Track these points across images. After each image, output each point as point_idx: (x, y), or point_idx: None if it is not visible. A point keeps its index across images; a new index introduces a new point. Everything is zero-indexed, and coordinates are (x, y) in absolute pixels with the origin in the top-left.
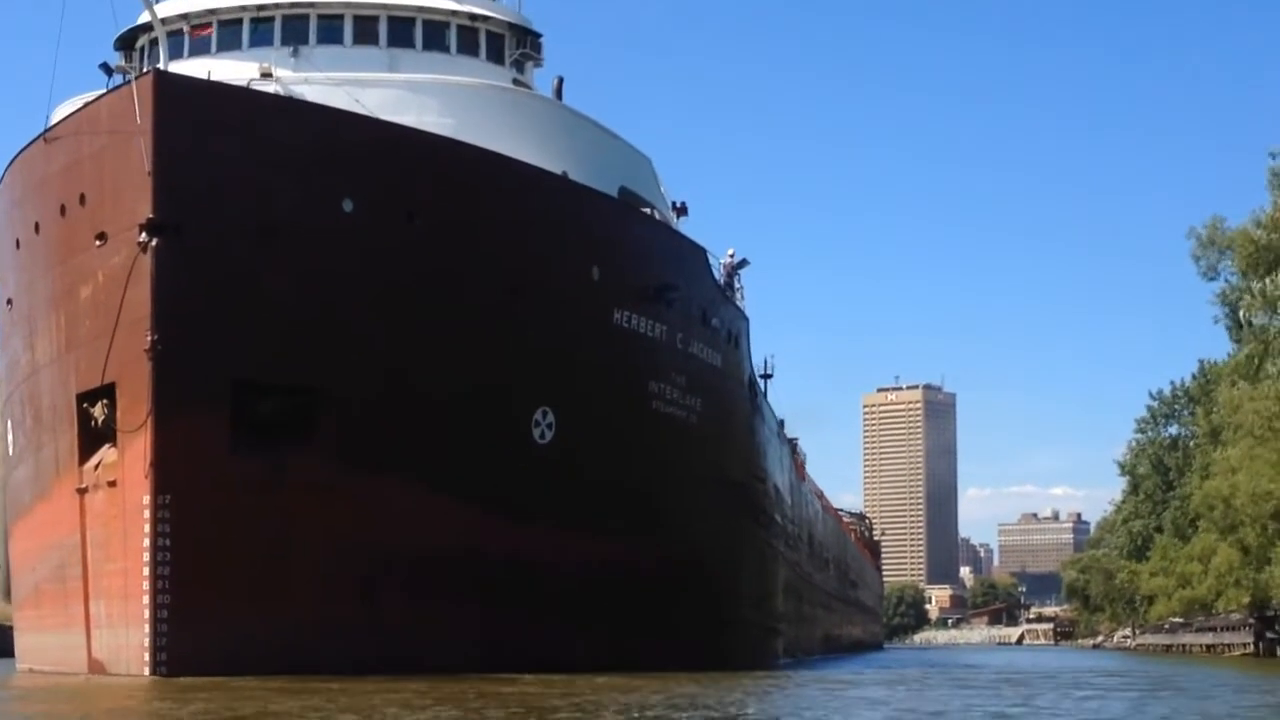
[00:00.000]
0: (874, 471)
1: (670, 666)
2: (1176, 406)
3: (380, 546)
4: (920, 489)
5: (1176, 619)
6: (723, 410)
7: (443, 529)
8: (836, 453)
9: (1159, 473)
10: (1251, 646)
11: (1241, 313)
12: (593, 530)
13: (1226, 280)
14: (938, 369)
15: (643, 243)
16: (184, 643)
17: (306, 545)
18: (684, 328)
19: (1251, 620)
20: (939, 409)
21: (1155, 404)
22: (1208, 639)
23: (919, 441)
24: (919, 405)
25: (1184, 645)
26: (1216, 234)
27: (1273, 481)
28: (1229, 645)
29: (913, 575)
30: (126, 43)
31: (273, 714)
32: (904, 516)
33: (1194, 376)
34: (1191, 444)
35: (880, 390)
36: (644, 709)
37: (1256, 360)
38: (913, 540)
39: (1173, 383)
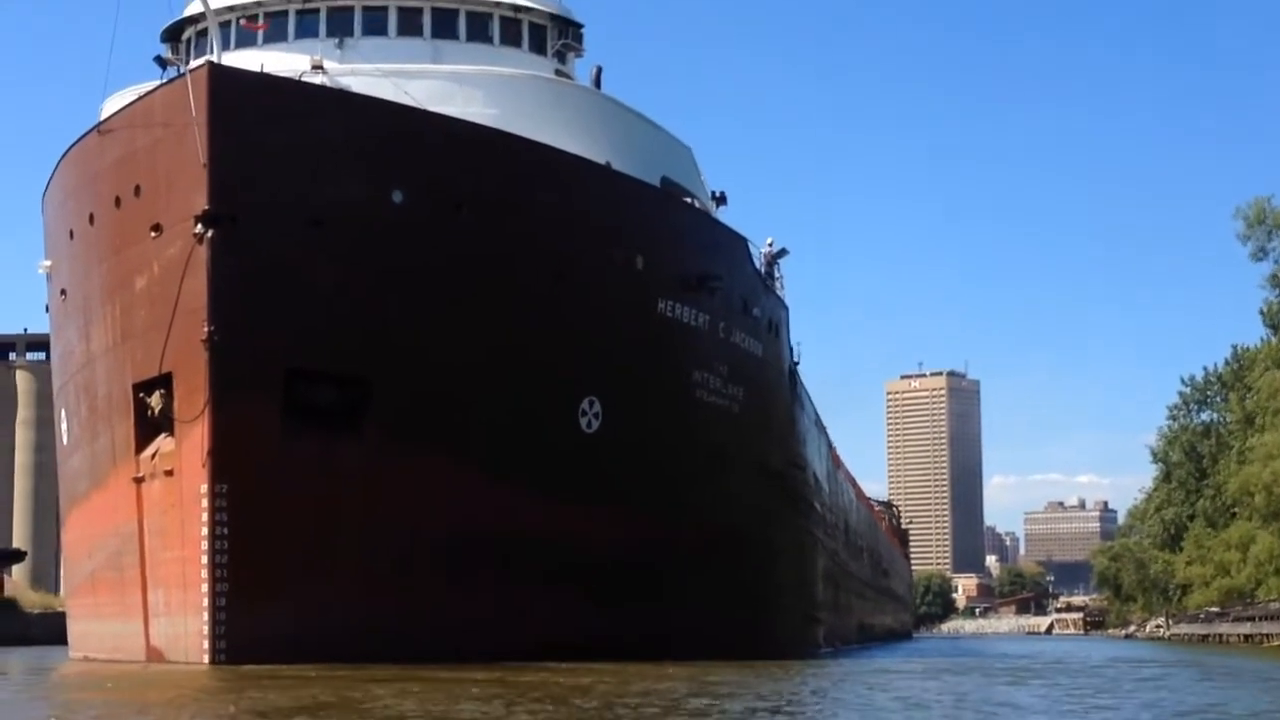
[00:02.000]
0: (898, 459)
1: (714, 654)
2: (1209, 392)
3: (430, 532)
4: (945, 477)
5: (1213, 608)
6: (764, 399)
7: (492, 515)
8: (860, 440)
9: (1192, 460)
10: None
11: None
12: (639, 518)
13: (1277, 261)
14: (961, 355)
15: (685, 232)
16: (243, 630)
17: (360, 531)
18: (726, 317)
19: None
20: (963, 396)
21: (1188, 390)
22: (1246, 629)
23: (943, 429)
24: (943, 392)
25: (1220, 635)
26: (1265, 213)
27: None
28: (1268, 635)
29: (938, 564)
30: (173, 34)
31: (357, 701)
32: (929, 504)
33: (1227, 362)
34: (1225, 430)
35: (904, 377)
36: (718, 698)
37: None
38: (938, 528)
39: (1206, 368)
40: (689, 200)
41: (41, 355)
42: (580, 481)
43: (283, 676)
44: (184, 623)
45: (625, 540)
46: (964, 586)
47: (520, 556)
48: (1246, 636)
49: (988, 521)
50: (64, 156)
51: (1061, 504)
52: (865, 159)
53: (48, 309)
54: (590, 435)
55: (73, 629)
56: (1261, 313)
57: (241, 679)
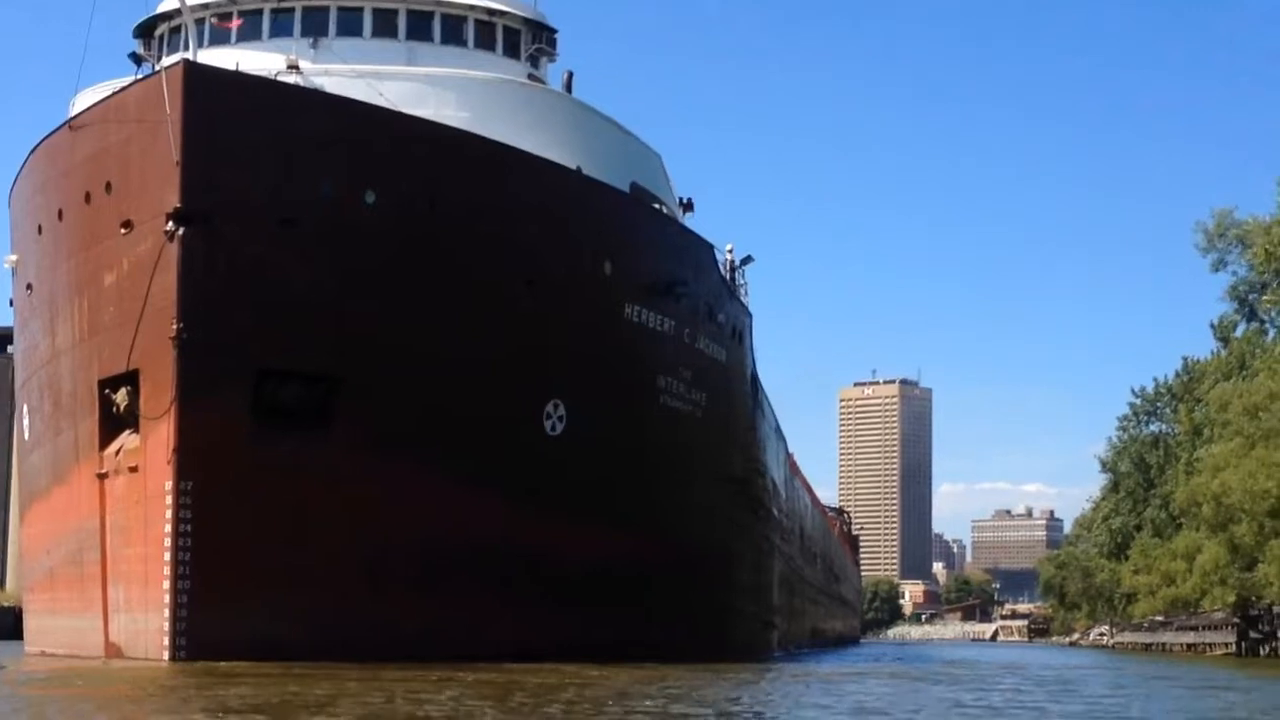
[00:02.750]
0: (849, 465)
1: (671, 658)
2: (1159, 404)
3: (396, 533)
4: (895, 484)
5: (1157, 618)
6: (727, 405)
7: (457, 517)
8: (813, 446)
9: (1140, 470)
10: (1234, 646)
11: (1262, 309)
12: (600, 521)
13: (1235, 273)
14: (914, 363)
15: (654, 238)
16: (203, 628)
17: (325, 532)
18: (691, 323)
19: (1236, 620)
20: (915, 404)
21: (1138, 401)
22: (1189, 638)
23: (895, 436)
24: (895, 400)
25: (1164, 644)
26: (1224, 226)
27: (1269, 479)
28: (1210, 645)
29: (887, 570)
30: (146, 30)
31: (310, 699)
32: (878, 511)
33: (1177, 374)
34: (1173, 441)
35: (857, 384)
36: (690, 702)
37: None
38: (887, 535)
39: (1156, 380)
40: (658, 206)
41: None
42: (543, 484)
43: (243, 674)
44: (144, 619)
45: (588, 544)
46: (911, 593)
47: (483, 559)
48: (1189, 645)
49: (936, 529)
50: (33, 151)
51: (1009, 512)
52: (820, 167)
53: (12, 303)
54: (554, 438)
55: (29, 623)
56: (1212, 326)
57: (205, 675)
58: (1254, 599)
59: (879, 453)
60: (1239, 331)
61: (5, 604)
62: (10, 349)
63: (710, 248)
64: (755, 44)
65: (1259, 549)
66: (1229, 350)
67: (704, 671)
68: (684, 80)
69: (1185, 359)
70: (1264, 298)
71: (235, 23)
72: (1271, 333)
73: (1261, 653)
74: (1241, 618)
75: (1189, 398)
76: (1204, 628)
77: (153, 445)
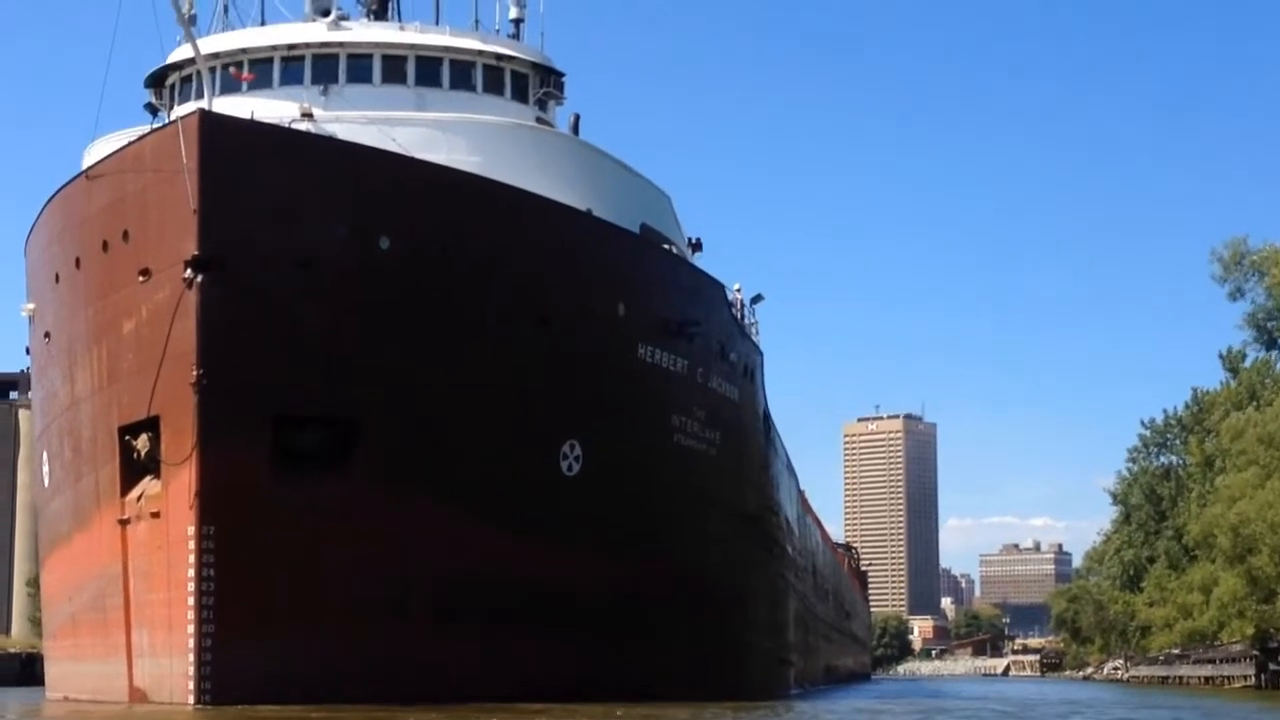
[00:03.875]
0: (854, 501)
1: (689, 696)
2: (1169, 435)
3: (417, 575)
4: (901, 519)
5: (1173, 650)
6: (740, 443)
7: (475, 558)
8: (818, 482)
9: (1151, 502)
10: (1253, 679)
11: None
12: (618, 560)
13: (1253, 301)
14: (918, 398)
15: (665, 279)
16: (228, 671)
17: (345, 574)
18: (704, 362)
19: (1255, 652)
20: (920, 439)
21: (1148, 433)
22: (1206, 671)
23: (900, 471)
24: (899, 435)
25: (1180, 677)
26: (1240, 255)
27: None
28: (1229, 677)
29: (894, 605)
30: (157, 80)
31: None
32: (885, 546)
33: (1187, 405)
34: (1184, 473)
35: (861, 420)
36: None
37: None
38: (894, 570)
39: (1165, 411)
40: (668, 247)
41: None
42: (561, 524)
43: (267, 719)
44: (169, 663)
45: (605, 583)
46: (920, 628)
47: (502, 599)
48: (1207, 679)
49: (943, 564)
50: (50, 200)
51: (1017, 546)
52: (818, 203)
53: (28, 351)
54: (571, 478)
55: (50, 670)
56: (1221, 356)
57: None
58: (1273, 630)
59: (884, 488)
60: (1249, 361)
61: (12, 650)
62: (12, 395)
63: (721, 287)
64: (744, 81)
65: (1279, 580)
66: (1238, 380)
67: (730, 710)
68: (679, 117)
69: (1194, 390)
70: None
71: (247, 76)
72: None
73: None
74: (1261, 649)
75: (1199, 429)
76: (1222, 660)
77: (174, 490)
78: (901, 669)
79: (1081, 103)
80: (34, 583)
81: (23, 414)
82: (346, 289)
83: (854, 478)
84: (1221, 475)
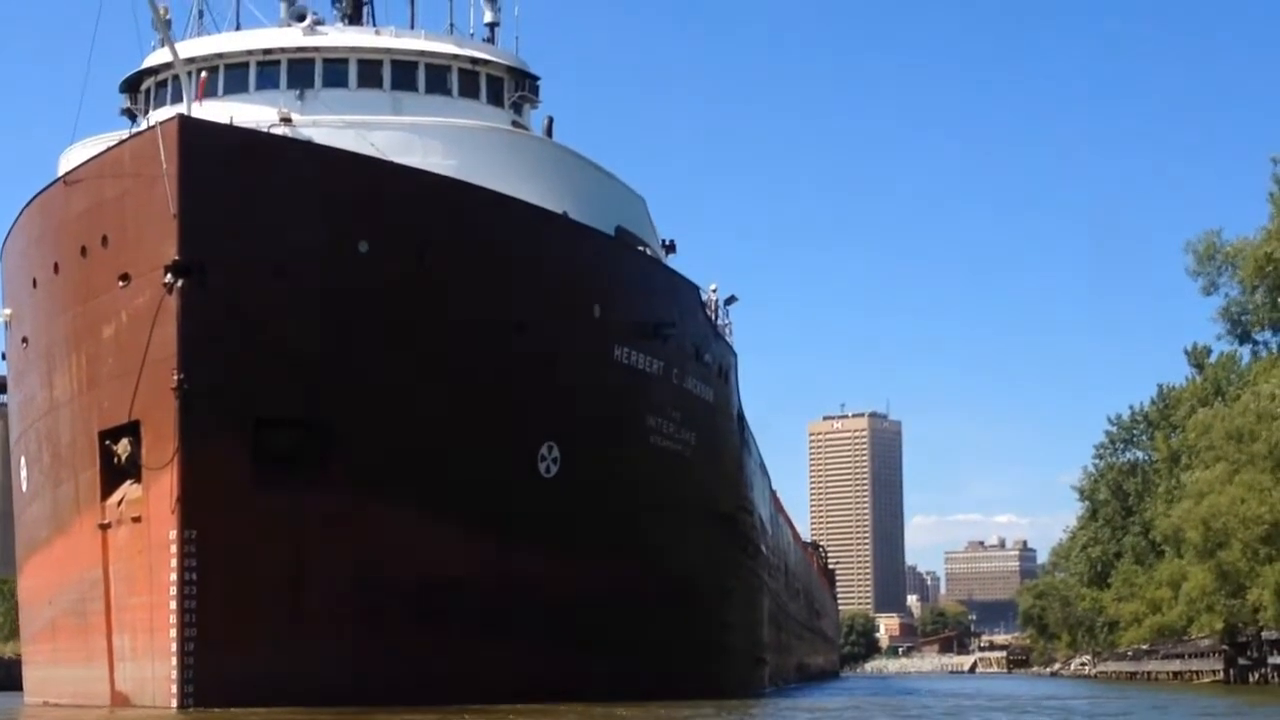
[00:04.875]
0: (820, 499)
1: (668, 695)
2: (1135, 431)
3: (396, 577)
4: (867, 517)
5: (1141, 646)
6: (714, 444)
7: (454, 560)
8: (783, 480)
9: (1118, 498)
10: (1221, 674)
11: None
12: (595, 561)
13: (1227, 295)
14: (883, 396)
15: (641, 281)
16: (210, 674)
17: (326, 577)
18: (679, 363)
19: (1224, 647)
20: (885, 437)
21: (1114, 429)
22: (1175, 666)
23: (865, 469)
24: (865, 433)
25: (1149, 672)
26: (1214, 248)
27: (1261, 504)
28: (1197, 672)
29: (860, 603)
30: (132, 85)
31: None
32: (851, 544)
33: (1153, 401)
34: (1151, 468)
35: (826, 418)
36: None
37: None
38: (859, 568)
39: (1131, 407)
40: (643, 249)
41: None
42: (540, 526)
43: None
44: (151, 667)
45: (584, 584)
46: (886, 626)
47: (481, 601)
48: (1176, 674)
49: (909, 561)
50: (27, 206)
51: (982, 543)
52: (784, 201)
53: (3, 356)
54: (548, 480)
55: (29, 675)
56: (1186, 352)
57: None
58: (1242, 625)
59: (850, 486)
60: (1214, 356)
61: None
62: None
63: (696, 289)
64: (712, 84)
65: (1250, 575)
66: (1204, 376)
67: (711, 707)
68: (637, 116)
69: (1160, 386)
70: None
71: (200, 81)
72: (1264, 353)
73: (1251, 679)
74: (1230, 644)
75: (1165, 424)
76: (1190, 655)
77: (156, 495)
78: (869, 666)
79: (1054, 102)
80: None
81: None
82: (325, 293)
83: (819, 476)
84: (1188, 471)
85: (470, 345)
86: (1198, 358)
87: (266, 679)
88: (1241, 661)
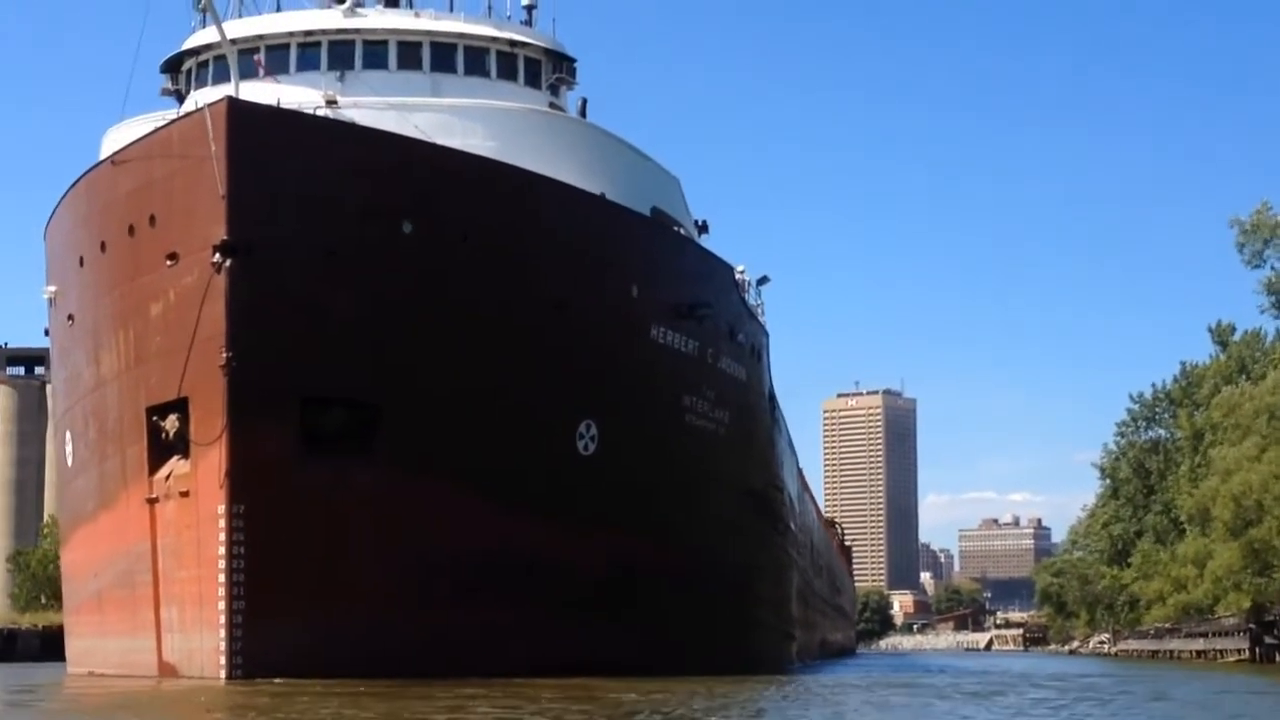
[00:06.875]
0: (834, 476)
1: (700, 670)
2: (1157, 409)
3: (439, 552)
4: (881, 494)
5: (1164, 624)
6: (747, 422)
7: (497, 536)
8: (798, 457)
9: (1140, 476)
10: (1247, 652)
11: None
12: (631, 537)
13: (1274, 267)
14: (897, 374)
15: (677, 261)
16: (258, 646)
17: (370, 552)
18: (714, 343)
19: (1250, 625)
20: (899, 414)
21: (1136, 406)
22: (1199, 645)
23: (879, 447)
24: (879, 411)
25: (1172, 651)
26: (1263, 220)
27: None
28: (1222, 651)
29: (874, 580)
30: (173, 66)
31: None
32: (865, 521)
33: (1176, 379)
34: (1173, 446)
35: (840, 396)
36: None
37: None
38: (874, 545)
39: (1154, 385)
40: (678, 229)
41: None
42: (578, 503)
43: (308, 691)
44: (199, 639)
45: (620, 560)
46: (901, 603)
47: (521, 576)
48: (1199, 653)
49: (922, 539)
50: (73, 186)
51: (996, 521)
52: (799, 179)
53: (47, 333)
54: (587, 458)
55: (72, 645)
56: (1210, 329)
57: (271, 695)
58: (1269, 604)
59: (864, 463)
60: (1238, 334)
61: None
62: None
63: (730, 269)
64: (735, 59)
65: (1278, 552)
66: (1228, 353)
67: (747, 683)
68: (654, 93)
69: (1183, 363)
70: None
71: (257, 61)
72: None
73: (1277, 658)
74: (1256, 623)
75: (1188, 402)
76: (1214, 634)
77: (204, 470)
78: (884, 644)
79: (1074, 78)
80: (13, 560)
81: (1, 390)
82: (370, 273)
83: (834, 453)
84: (1213, 448)
85: (511, 324)
86: (1221, 335)
87: (312, 650)
88: (1268, 640)
